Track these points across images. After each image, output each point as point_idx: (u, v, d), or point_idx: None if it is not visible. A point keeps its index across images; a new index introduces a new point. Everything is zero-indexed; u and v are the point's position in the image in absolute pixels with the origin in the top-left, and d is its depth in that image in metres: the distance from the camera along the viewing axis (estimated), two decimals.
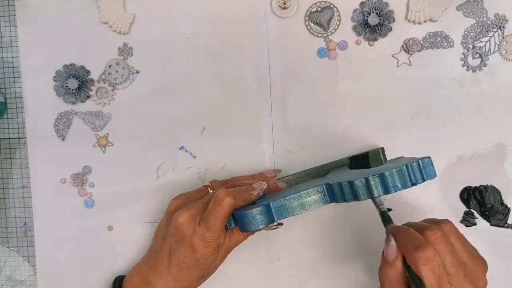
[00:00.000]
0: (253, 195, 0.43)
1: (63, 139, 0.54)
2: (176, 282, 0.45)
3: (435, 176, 0.36)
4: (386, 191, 0.35)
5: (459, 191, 0.52)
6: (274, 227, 0.43)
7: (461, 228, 0.52)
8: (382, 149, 0.50)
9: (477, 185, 0.52)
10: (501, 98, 0.51)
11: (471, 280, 0.37)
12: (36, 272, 0.54)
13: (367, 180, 0.35)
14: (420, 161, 0.36)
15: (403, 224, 0.40)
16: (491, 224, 0.52)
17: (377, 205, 0.43)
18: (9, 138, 0.55)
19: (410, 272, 0.36)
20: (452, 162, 0.52)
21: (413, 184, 0.35)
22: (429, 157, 0.37)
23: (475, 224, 0.52)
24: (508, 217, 0.51)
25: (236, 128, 0.53)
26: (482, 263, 0.39)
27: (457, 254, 0.37)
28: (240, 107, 0.53)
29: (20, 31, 0.54)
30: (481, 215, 0.52)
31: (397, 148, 0.52)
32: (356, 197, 0.36)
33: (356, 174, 0.39)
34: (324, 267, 0.53)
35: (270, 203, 0.39)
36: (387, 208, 0.52)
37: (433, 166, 0.36)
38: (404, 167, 0.35)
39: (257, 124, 0.53)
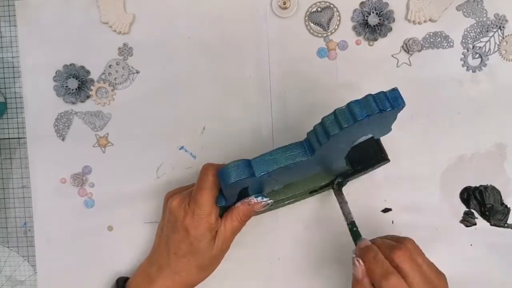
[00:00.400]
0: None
1: (63, 139, 0.54)
2: (176, 274, 0.45)
3: (404, 105, 0.36)
4: (354, 119, 0.35)
5: (459, 191, 0.52)
6: (264, 202, 0.43)
7: (461, 228, 0.52)
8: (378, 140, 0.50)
9: (477, 185, 0.52)
10: (501, 98, 0.51)
11: None
12: (36, 272, 0.54)
13: (333, 112, 0.36)
14: (387, 93, 0.36)
15: (371, 240, 0.41)
16: (491, 224, 0.52)
17: (346, 215, 0.44)
18: (9, 138, 0.55)
19: None
20: (452, 162, 0.52)
21: (381, 110, 0.35)
22: (395, 88, 0.37)
23: (475, 224, 0.52)
24: (508, 217, 0.51)
25: (236, 128, 0.53)
26: (443, 277, 0.40)
27: (424, 272, 0.38)
28: (240, 107, 0.53)
29: (20, 31, 0.54)
30: (481, 215, 0.52)
31: (397, 148, 0.52)
32: (327, 134, 0.36)
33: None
34: (324, 267, 0.53)
35: (251, 159, 0.39)
36: (387, 208, 0.52)
37: (401, 96, 0.36)
38: (369, 95, 0.35)
39: (257, 124, 0.53)
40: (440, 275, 0.40)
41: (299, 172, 0.43)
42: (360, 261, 0.39)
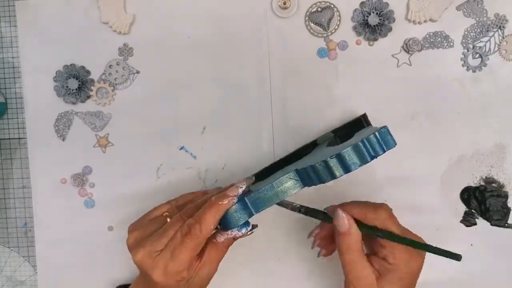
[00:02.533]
0: (224, 204, 0.39)
1: (63, 139, 0.54)
2: None
3: (395, 144, 0.36)
4: (347, 169, 0.35)
5: (460, 191, 0.52)
6: (249, 232, 0.41)
7: (462, 228, 0.52)
8: (364, 115, 0.50)
9: (477, 185, 0.52)
10: (501, 98, 0.51)
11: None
12: (36, 272, 0.54)
13: (325, 162, 0.35)
14: (376, 133, 0.35)
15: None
16: (491, 224, 0.52)
17: (293, 207, 0.42)
18: (9, 139, 0.55)
19: (370, 230, 0.39)
20: (452, 162, 0.52)
21: (372, 157, 0.35)
22: (385, 127, 0.36)
23: (476, 224, 0.52)
24: (508, 217, 0.51)
25: (236, 128, 0.53)
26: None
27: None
28: (240, 107, 0.53)
29: (21, 31, 0.54)
30: (482, 215, 0.52)
31: (397, 148, 0.52)
32: (321, 180, 0.36)
33: (323, 155, 0.39)
34: (325, 267, 0.53)
35: (245, 198, 0.39)
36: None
37: (391, 136, 0.36)
38: (360, 142, 0.35)
39: (257, 124, 0.53)
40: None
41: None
42: (342, 211, 0.39)
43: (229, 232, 0.40)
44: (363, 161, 0.35)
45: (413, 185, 0.52)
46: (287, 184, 0.39)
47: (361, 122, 0.49)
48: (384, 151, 0.35)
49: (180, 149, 0.53)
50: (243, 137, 0.53)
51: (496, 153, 0.52)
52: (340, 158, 0.35)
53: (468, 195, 0.52)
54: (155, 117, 0.53)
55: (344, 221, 0.38)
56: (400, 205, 0.52)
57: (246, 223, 0.40)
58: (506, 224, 0.51)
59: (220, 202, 0.39)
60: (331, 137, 0.50)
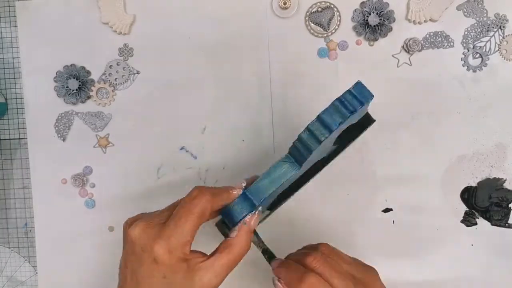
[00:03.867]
0: (233, 194, 0.38)
1: (63, 140, 0.54)
2: None
3: (372, 96, 0.35)
4: (329, 129, 0.35)
5: (460, 191, 0.52)
6: (258, 214, 0.39)
7: (462, 228, 0.52)
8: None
9: (478, 185, 0.52)
10: (501, 98, 0.51)
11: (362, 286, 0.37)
12: (37, 273, 0.54)
13: (307, 128, 0.36)
14: (351, 89, 0.36)
15: (284, 258, 0.41)
16: (491, 224, 0.52)
17: (257, 244, 0.42)
18: (10, 139, 0.55)
19: None
20: (452, 162, 0.52)
21: (352, 112, 0.35)
22: (358, 81, 0.36)
23: (476, 224, 0.52)
24: (508, 217, 0.51)
25: (236, 128, 0.53)
26: (371, 270, 0.40)
27: (342, 269, 0.38)
28: (240, 107, 0.53)
29: (21, 32, 0.54)
30: (482, 215, 0.52)
31: (397, 148, 0.52)
32: (309, 150, 0.36)
33: (322, 146, 0.39)
34: None
35: (245, 191, 0.39)
36: (387, 208, 0.52)
37: (366, 88, 0.35)
38: (336, 100, 0.35)
39: (257, 124, 0.53)
40: (367, 267, 0.39)
41: (296, 177, 0.43)
42: (278, 279, 0.38)
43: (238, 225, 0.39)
44: (343, 117, 0.34)
45: (413, 185, 0.52)
46: (283, 167, 0.38)
47: None
48: (362, 104, 0.35)
49: (181, 149, 0.53)
50: (243, 137, 0.53)
51: (496, 153, 0.52)
52: (321, 120, 0.35)
53: (469, 195, 0.52)
54: (155, 117, 0.53)
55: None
56: (400, 205, 0.52)
57: (250, 209, 0.39)
58: (507, 224, 0.51)
59: (231, 190, 0.39)
60: None
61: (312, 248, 0.40)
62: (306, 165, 0.42)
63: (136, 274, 0.36)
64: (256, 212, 0.39)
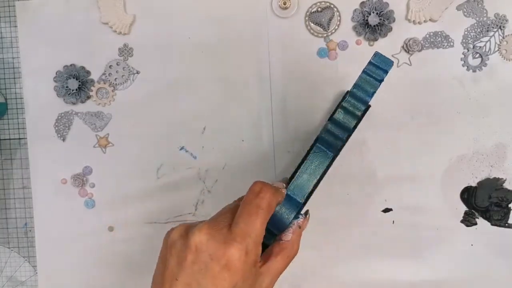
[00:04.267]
0: (283, 192, 0.36)
1: (63, 140, 0.54)
2: None
3: (392, 62, 0.37)
4: (365, 102, 0.36)
5: (460, 191, 0.52)
6: (306, 218, 0.38)
7: (462, 228, 0.52)
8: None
9: (477, 185, 0.52)
10: (501, 98, 0.51)
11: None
12: (36, 273, 0.54)
13: (341, 107, 0.36)
14: (372, 60, 0.37)
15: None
16: (491, 224, 0.52)
17: None
18: (10, 139, 0.55)
19: None
20: (452, 162, 0.52)
21: (380, 81, 0.36)
22: (376, 52, 0.37)
23: (476, 224, 0.52)
24: (508, 217, 0.51)
25: (236, 128, 0.53)
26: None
27: None
28: (240, 107, 0.53)
29: (21, 32, 0.54)
30: (482, 215, 0.52)
31: (397, 148, 0.52)
32: (347, 129, 0.37)
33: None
34: (327, 268, 0.53)
35: (287, 191, 0.37)
36: (387, 208, 0.52)
37: (385, 57, 0.37)
38: (363, 73, 0.36)
39: (257, 124, 0.53)
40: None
41: (330, 165, 0.42)
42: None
43: (288, 230, 0.37)
44: (374, 87, 0.36)
45: (413, 185, 0.52)
46: (318, 158, 0.38)
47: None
48: (387, 72, 0.36)
49: (180, 149, 0.53)
50: (243, 137, 0.53)
51: (496, 153, 0.52)
52: (354, 95, 0.36)
53: (468, 195, 0.52)
54: (155, 117, 0.53)
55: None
56: (400, 205, 0.52)
57: (297, 217, 0.38)
58: (506, 224, 0.51)
59: (282, 190, 0.36)
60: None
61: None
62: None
63: None
64: (308, 215, 0.37)
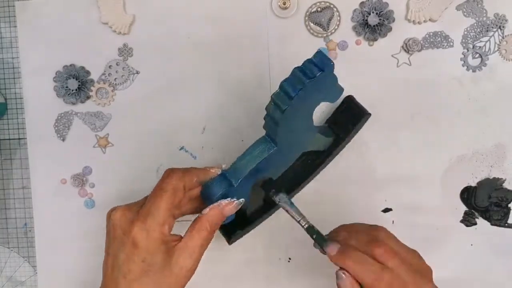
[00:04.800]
0: (210, 172, 0.39)
1: (63, 140, 0.54)
2: None
3: (332, 62, 0.36)
4: (290, 96, 0.35)
5: (459, 191, 0.52)
6: (235, 202, 0.39)
7: (462, 228, 0.52)
8: (350, 97, 0.50)
9: (477, 185, 0.52)
10: (501, 98, 0.51)
11: (422, 275, 0.37)
12: (36, 273, 0.54)
13: (271, 98, 0.36)
14: (312, 58, 0.36)
15: (333, 234, 0.40)
16: (491, 224, 0.52)
17: (298, 221, 0.41)
18: (9, 139, 0.55)
19: None
20: (452, 162, 0.52)
21: (311, 78, 0.35)
22: (318, 50, 0.37)
23: (475, 224, 0.52)
24: (508, 216, 0.51)
25: (236, 128, 0.53)
26: (417, 254, 0.39)
27: (404, 259, 0.37)
28: (240, 107, 0.53)
29: (20, 32, 0.54)
30: (481, 215, 0.52)
31: (397, 148, 0.52)
32: (275, 122, 0.37)
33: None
34: (328, 267, 0.53)
35: (223, 171, 0.39)
36: (387, 208, 0.52)
37: (326, 57, 0.36)
38: (296, 68, 0.36)
39: (257, 124, 0.53)
40: (415, 253, 0.39)
41: (279, 162, 0.43)
42: (346, 273, 0.36)
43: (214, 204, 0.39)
44: (302, 84, 0.35)
45: (413, 185, 0.52)
46: (259, 147, 0.39)
47: (350, 104, 0.50)
48: (322, 71, 0.35)
49: (180, 149, 0.53)
50: (243, 137, 0.53)
51: (496, 153, 0.52)
52: (283, 89, 0.36)
53: (468, 195, 0.52)
54: (155, 117, 0.53)
55: (346, 283, 0.36)
56: (400, 205, 0.52)
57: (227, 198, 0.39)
58: (506, 224, 0.52)
59: (208, 168, 0.40)
60: (325, 126, 0.51)
61: (369, 232, 0.38)
62: (289, 147, 0.42)
63: (117, 260, 0.36)
64: (235, 201, 0.38)
